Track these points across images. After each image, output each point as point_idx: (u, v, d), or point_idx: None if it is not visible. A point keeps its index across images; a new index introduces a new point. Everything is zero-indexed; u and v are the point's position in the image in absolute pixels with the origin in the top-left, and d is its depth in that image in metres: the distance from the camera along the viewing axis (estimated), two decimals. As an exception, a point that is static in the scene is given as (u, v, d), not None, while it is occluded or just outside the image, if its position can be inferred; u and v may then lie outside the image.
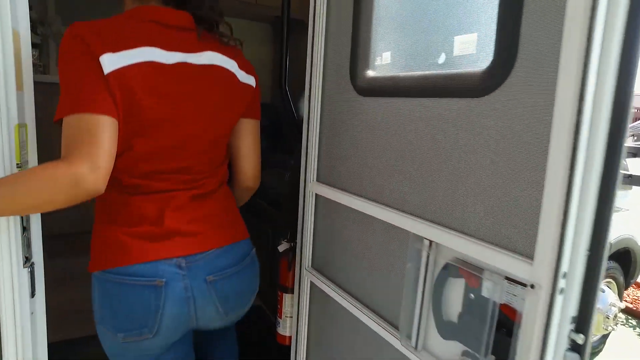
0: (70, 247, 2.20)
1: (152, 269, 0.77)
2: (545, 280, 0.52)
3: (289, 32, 2.73)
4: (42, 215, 0.80)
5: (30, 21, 2.45)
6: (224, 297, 0.84)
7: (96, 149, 0.66)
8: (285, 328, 1.21)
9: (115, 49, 0.69)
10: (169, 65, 0.74)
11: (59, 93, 0.69)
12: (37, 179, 0.64)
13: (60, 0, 2.71)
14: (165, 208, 0.79)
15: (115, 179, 0.74)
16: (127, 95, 0.70)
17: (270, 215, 1.74)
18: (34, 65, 2.55)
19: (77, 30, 0.69)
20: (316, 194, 1.05)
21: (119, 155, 0.73)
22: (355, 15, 0.90)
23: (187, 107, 0.78)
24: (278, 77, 1.34)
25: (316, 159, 1.05)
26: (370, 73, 0.89)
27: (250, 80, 0.90)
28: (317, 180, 1.05)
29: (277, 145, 3.26)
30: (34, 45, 2.69)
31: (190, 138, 0.79)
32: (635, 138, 3.43)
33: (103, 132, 0.67)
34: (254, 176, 0.96)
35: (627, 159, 2.25)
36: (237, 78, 0.86)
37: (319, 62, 1.01)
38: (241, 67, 0.87)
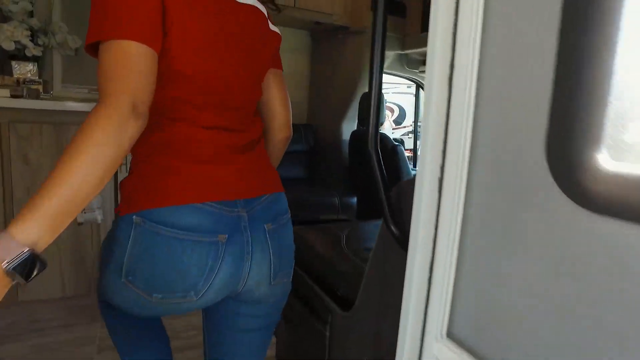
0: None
1: (211, 220, 0.70)
2: None
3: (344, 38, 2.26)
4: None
5: (31, 30, 2.02)
6: (277, 250, 0.80)
7: (136, 84, 0.60)
8: None
9: None
10: None
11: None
12: (88, 148, 0.54)
13: (68, 6, 2.32)
14: (223, 146, 0.75)
15: (168, 108, 0.71)
16: (187, 20, 0.67)
17: (323, 306, 1.21)
18: (30, 82, 2.17)
19: None
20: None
21: (170, 84, 0.69)
22: None
23: (229, 40, 0.75)
24: (365, 133, 0.81)
25: (448, 301, 0.55)
26: (616, 162, 0.38)
27: (276, 29, 0.90)
28: (449, 336, 0.55)
29: (315, 176, 2.78)
30: (34, 59, 2.32)
31: (233, 72, 0.76)
32: None
33: (147, 64, 0.62)
34: (287, 124, 0.94)
35: None
36: (268, 24, 0.86)
37: (466, 110, 0.51)
38: (269, 16, 0.89)
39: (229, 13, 0.75)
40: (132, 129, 0.58)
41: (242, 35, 0.78)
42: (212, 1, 0.71)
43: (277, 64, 0.92)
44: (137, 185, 0.70)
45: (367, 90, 2.71)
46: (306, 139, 2.77)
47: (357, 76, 2.59)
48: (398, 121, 9.50)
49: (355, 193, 2.42)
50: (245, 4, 0.79)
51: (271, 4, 0.90)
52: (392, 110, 9.88)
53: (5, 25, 2.00)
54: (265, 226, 0.77)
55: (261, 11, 0.84)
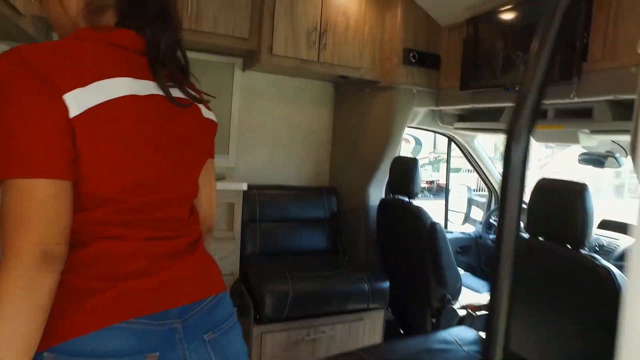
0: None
1: (138, 338, 0.61)
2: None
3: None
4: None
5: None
6: None
7: (46, 229, 0.55)
8: None
9: (84, 80, 0.58)
10: (144, 97, 0.65)
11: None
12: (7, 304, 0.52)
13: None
14: (156, 256, 0.68)
15: (89, 229, 0.63)
16: (101, 141, 0.60)
17: None
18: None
19: (28, 57, 0.55)
20: None
21: (89, 207, 0.62)
22: None
23: (160, 147, 0.69)
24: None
25: None
26: None
27: (211, 115, 0.83)
28: None
29: (337, 248, 2.48)
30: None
31: (168, 181, 0.70)
32: None
33: (59, 202, 0.56)
34: (211, 217, 0.90)
35: None
36: (201, 112, 0.79)
37: None
38: (201, 100, 0.79)
39: (162, 114, 0.68)
40: (47, 280, 0.55)
41: (175, 136, 0.71)
42: (134, 106, 0.64)
43: (212, 153, 0.87)
44: (51, 313, 0.59)
45: (399, 155, 2.45)
46: (328, 204, 2.48)
47: (385, 135, 2.31)
48: (413, 153, 9.25)
49: (386, 273, 2.11)
50: (175, 97, 0.70)
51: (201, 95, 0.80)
52: (407, 142, 9.64)
53: None
54: (205, 336, 0.70)
55: (191, 102, 0.76)
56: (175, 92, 0.71)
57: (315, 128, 2.67)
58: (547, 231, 1.38)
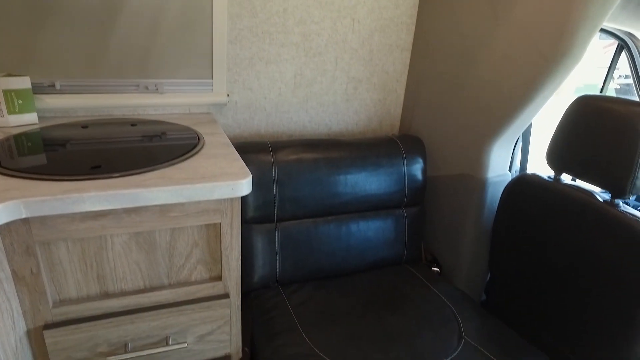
0: None
1: None
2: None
3: None
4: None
5: None
6: None
7: None
8: None
9: None
10: None
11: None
12: None
13: None
14: None
15: None
16: None
17: None
18: None
19: None
20: None
21: None
22: None
23: None
24: None
25: None
26: None
27: None
28: None
29: (418, 252, 1.38)
30: None
31: None
32: None
33: None
34: None
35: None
36: None
37: None
38: None
39: None
40: None
41: None
42: None
43: None
44: None
45: (595, 95, 1.12)
46: (409, 169, 1.32)
47: (553, 46, 1.04)
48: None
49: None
50: None
51: None
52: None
53: None
54: None
55: None
56: None
57: (381, 20, 1.38)
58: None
